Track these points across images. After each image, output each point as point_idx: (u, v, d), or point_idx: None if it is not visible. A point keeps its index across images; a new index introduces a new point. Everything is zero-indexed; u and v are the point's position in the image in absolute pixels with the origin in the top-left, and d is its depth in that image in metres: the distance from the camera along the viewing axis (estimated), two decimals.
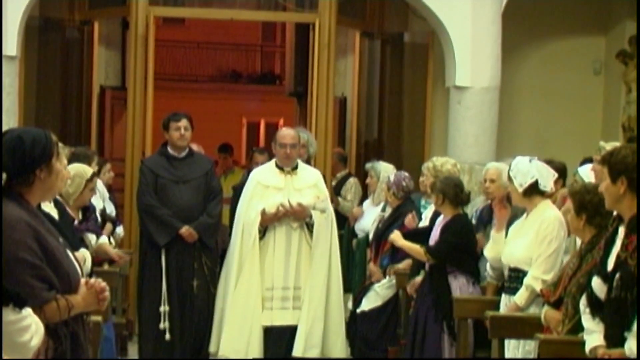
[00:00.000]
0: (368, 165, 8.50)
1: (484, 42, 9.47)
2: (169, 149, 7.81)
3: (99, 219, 6.98)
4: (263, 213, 7.07)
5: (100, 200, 7.48)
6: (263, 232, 7.11)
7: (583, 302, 4.31)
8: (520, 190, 5.84)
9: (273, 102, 21.35)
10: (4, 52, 8.82)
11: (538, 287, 5.53)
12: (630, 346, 3.89)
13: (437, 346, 6.63)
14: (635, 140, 9.36)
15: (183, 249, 7.61)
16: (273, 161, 7.42)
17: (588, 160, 7.74)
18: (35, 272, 3.28)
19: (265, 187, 7.25)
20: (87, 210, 6.46)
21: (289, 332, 7.10)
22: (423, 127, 10.67)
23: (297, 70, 14.28)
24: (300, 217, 7.13)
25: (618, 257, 3.98)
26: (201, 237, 7.63)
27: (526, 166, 5.88)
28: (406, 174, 7.88)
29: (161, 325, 7.55)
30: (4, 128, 8.62)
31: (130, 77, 9.90)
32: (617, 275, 3.93)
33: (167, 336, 7.56)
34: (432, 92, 10.58)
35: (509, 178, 5.95)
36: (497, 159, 8.69)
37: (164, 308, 7.56)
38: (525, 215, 5.97)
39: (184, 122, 7.72)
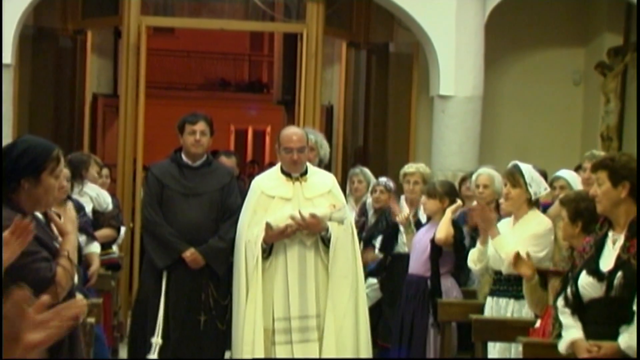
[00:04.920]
0: (357, 170, 8.34)
1: (468, 53, 9.51)
2: (183, 156, 6.41)
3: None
4: (268, 228, 5.74)
5: (91, 204, 7.35)
6: (269, 250, 5.81)
7: (560, 302, 4.34)
8: (533, 198, 5.77)
9: (261, 110, 21.37)
10: None
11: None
12: (626, 339, 3.97)
13: (423, 347, 6.58)
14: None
15: (187, 276, 6.22)
16: (278, 166, 6.10)
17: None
18: (36, 257, 3.27)
19: (270, 198, 5.92)
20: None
21: None
22: (408, 134, 10.71)
23: (285, 79, 14.31)
24: (315, 231, 5.80)
25: (619, 258, 4.05)
26: (209, 264, 6.24)
27: (538, 177, 5.84)
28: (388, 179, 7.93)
29: (150, 357, 6.19)
30: None
31: (122, 85, 9.91)
32: (619, 274, 4.00)
33: None
34: (417, 101, 10.62)
35: (524, 183, 5.78)
36: (480, 167, 8.71)
37: (156, 340, 6.20)
38: (511, 221, 5.89)
39: (200, 126, 6.33)
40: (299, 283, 5.78)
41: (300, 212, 5.73)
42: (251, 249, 5.80)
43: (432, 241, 6.53)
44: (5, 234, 2.69)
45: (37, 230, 3.32)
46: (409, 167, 7.51)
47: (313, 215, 5.73)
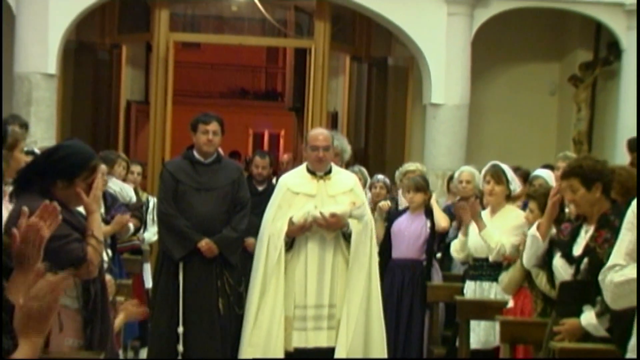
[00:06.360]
0: (355, 169, 8.21)
1: (456, 66, 9.52)
2: (195, 153, 6.06)
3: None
4: (290, 222, 5.47)
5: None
6: (290, 243, 5.51)
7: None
8: (512, 194, 5.82)
9: (275, 116, 21.39)
10: (45, 71, 8.89)
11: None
12: (587, 317, 4.00)
13: (421, 325, 6.55)
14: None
15: (203, 265, 5.88)
16: (304, 165, 5.76)
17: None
18: (69, 239, 3.27)
19: (294, 194, 5.59)
20: (106, 200, 6.38)
21: (323, 355, 5.45)
22: (403, 138, 10.73)
23: (296, 88, 14.32)
24: (336, 228, 5.47)
25: (587, 245, 4.08)
26: (222, 253, 5.92)
27: (515, 175, 5.90)
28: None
29: (180, 348, 5.86)
30: (44, 136, 8.68)
31: (153, 93, 9.97)
32: (586, 260, 4.05)
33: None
34: (411, 108, 10.64)
35: (505, 180, 5.81)
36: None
37: (180, 329, 5.86)
38: (488, 214, 5.87)
39: (213, 126, 5.99)
40: (318, 274, 5.47)
41: (321, 212, 5.41)
42: (274, 242, 5.50)
43: (432, 228, 6.55)
44: (34, 219, 2.47)
45: (67, 215, 3.32)
46: (410, 166, 7.53)
47: (333, 215, 5.41)
